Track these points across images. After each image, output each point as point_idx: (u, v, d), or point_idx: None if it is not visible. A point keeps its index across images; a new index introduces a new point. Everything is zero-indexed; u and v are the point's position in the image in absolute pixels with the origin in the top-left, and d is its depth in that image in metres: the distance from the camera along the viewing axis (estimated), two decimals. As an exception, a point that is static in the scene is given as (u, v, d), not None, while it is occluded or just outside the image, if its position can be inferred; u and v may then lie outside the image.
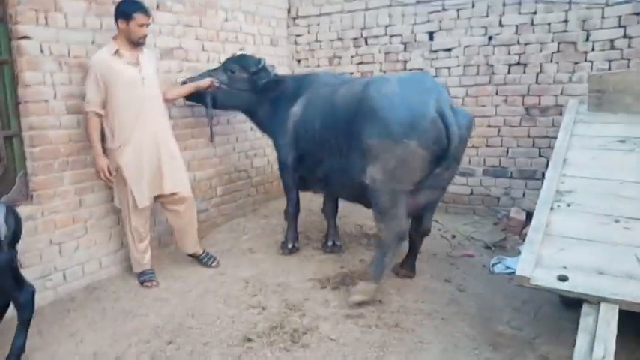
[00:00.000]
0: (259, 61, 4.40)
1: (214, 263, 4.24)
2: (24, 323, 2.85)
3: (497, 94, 5.05)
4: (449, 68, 5.21)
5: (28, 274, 3.16)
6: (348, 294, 3.56)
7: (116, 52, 3.57)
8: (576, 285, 2.42)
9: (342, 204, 4.50)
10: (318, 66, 5.98)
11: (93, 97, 3.54)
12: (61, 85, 3.58)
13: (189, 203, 4.04)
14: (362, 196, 3.65)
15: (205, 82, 4.30)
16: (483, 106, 5.12)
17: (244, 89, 4.41)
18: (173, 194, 3.91)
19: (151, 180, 3.79)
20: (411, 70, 5.39)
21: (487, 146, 5.19)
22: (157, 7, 4.32)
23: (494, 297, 3.59)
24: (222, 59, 5.00)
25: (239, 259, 4.45)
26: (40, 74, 3.45)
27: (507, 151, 5.12)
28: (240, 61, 4.42)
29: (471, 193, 5.37)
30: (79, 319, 3.43)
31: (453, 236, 4.85)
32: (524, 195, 5.06)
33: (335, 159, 3.76)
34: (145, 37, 3.65)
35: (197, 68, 4.67)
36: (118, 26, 3.58)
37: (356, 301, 3.44)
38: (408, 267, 3.97)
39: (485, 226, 5.09)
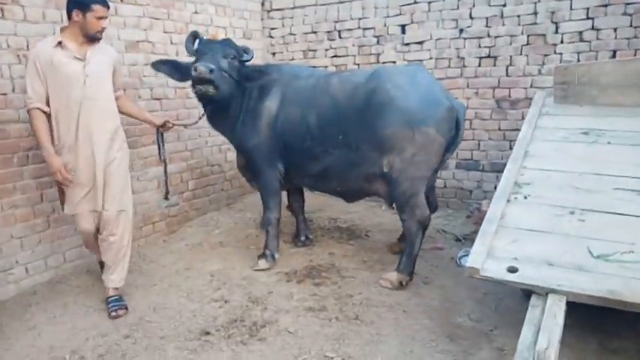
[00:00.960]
0: (247, 50, 3.92)
1: (116, 313, 3.35)
2: None
3: (468, 87, 5.04)
4: (421, 61, 5.18)
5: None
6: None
7: (59, 43, 3.12)
8: (525, 276, 2.41)
9: (319, 199, 4.49)
10: (293, 59, 5.94)
11: (34, 92, 3.11)
12: (19, 78, 3.53)
13: (123, 226, 3.43)
14: (364, 188, 3.85)
15: (157, 120, 3.81)
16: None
17: (234, 76, 3.80)
18: (104, 212, 3.34)
19: (84, 192, 3.29)
20: (384, 63, 5.36)
21: (459, 139, 5.18)
22: (122, -1, 4.27)
23: (458, 289, 3.59)
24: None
25: (207, 253, 4.43)
26: (-6, 65, 3.43)
27: (479, 144, 5.12)
28: (234, 47, 3.82)
29: (445, 186, 5.37)
30: (39, 313, 3.41)
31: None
32: (495, 188, 5.04)
33: (338, 154, 3.72)
34: (102, 31, 3.22)
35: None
36: (70, 17, 3.15)
37: (387, 287, 3.62)
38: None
39: (457, 219, 5.10)
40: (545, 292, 2.35)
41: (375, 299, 3.46)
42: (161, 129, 3.86)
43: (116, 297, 3.46)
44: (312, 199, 4.84)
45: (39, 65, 3.08)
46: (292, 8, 5.85)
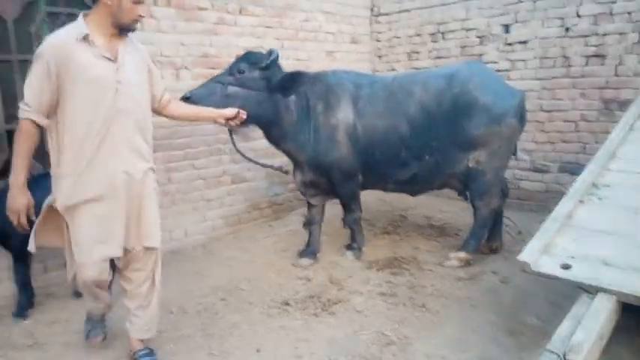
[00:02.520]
0: (270, 52, 3.64)
1: None
2: None
3: (574, 87, 4.84)
4: (524, 61, 5.09)
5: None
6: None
7: (85, 37, 2.34)
8: (576, 274, 2.43)
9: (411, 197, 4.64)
10: (398, 61, 6.18)
11: (35, 99, 2.31)
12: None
13: (154, 262, 2.73)
14: (440, 185, 4.11)
15: (230, 112, 3.10)
16: (560, 100, 4.93)
17: (259, 89, 3.59)
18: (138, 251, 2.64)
19: (103, 233, 2.48)
20: (486, 64, 5.36)
21: (563, 142, 4.99)
22: (240, 11, 4.90)
23: (536, 291, 3.55)
24: (301, 56, 5.46)
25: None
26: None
27: (585, 147, 4.88)
28: (246, 58, 3.63)
29: (546, 190, 5.20)
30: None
31: (519, 232, 4.77)
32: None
33: (429, 159, 3.85)
34: (139, 20, 2.48)
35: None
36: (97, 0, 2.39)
37: (452, 265, 3.94)
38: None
39: (556, 224, 4.92)
40: (595, 291, 2.36)
41: (446, 292, 3.59)
42: (233, 122, 3.17)
43: (146, 351, 2.76)
44: (406, 197, 5.01)
45: (53, 66, 2.28)
46: (398, 12, 6.09)
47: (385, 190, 4.42)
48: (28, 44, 3.66)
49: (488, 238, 4.31)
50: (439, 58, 5.81)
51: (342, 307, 3.42)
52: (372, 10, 6.35)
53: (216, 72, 4.60)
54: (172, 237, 4.61)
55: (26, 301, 3.38)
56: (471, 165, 3.82)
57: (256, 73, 3.60)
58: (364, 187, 4.24)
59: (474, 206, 3.98)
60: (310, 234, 4.28)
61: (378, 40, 6.37)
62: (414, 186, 4.13)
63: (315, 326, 3.17)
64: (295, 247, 4.63)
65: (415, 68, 5.54)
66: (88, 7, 2.74)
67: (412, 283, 3.74)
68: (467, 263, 3.93)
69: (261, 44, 5.12)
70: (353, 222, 4.24)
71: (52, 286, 3.81)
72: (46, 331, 3.20)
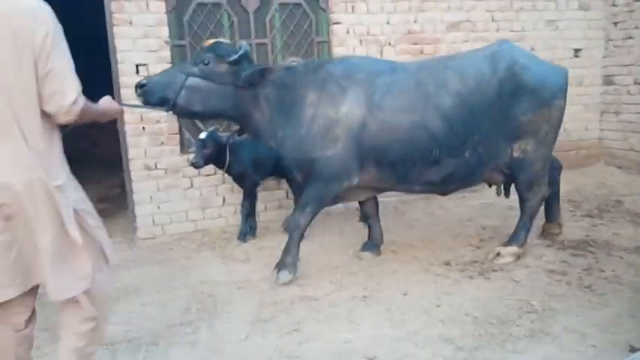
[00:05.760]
0: (240, 47, 3.36)
1: None
2: None
3: None
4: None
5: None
6: (496, 256, 3.68)
7: None
8: None
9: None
10: (637, 28, 5.38)
11: None
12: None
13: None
14: (485, 180, 3.77)
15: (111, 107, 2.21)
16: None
17: (223, 83, 3.30)
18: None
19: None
20: None
21: None
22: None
23: None
24: (515, 27, 5.34)
25: (495, 216, 4.90)
26: (346, 49, 4.84)
27: None
28: (213, 49, 3.29)
29: None
30: (179, 250, 4.78)
31: None
32: None
33: (468, 154, 3.41)
34: None
35: (484, 39, 5.17)
36: None
37: (506, 262, 3.61)
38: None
39: None
40: None
41: (626, 279, 3.27)
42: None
43: None
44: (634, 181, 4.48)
45: None
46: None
47: (411, 192, 4.04)
48: (264, 31, 4.68)
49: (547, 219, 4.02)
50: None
51: (500, 274, 3.48)
52: (609, -29, 5.65)
53: (419, 48, 5.01)
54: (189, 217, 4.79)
55: (246, 230, 4.42)
56: (515, 155, 3.49)
57: (223, 67, 3.28)
58: (380, 191, 3.78)
59: (522, 198, 3.69)
60: (370, 228, 3.99)
61: (615, 5, 5.63)
62: (448, 186, 3.66)
63: (464, 285, 3.34)
64: (483, 219, 4.69)
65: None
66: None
67: (590, 266, 3.50)
68: (518, 257, 3.64)
69: (467, 18, 5.21)
70: (295, 227, 3.49)
71: (270, 221, 4.86)
72: (256, 252, 4.19)
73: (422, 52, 5.05)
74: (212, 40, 3.39)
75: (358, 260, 3.87)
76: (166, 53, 4.41)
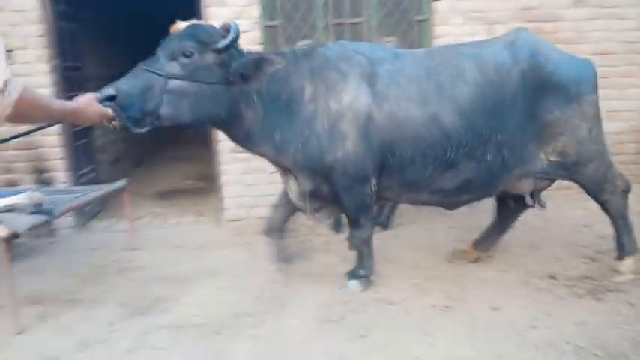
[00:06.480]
0: (228, 27, 2.64)
1: None
2: None
3: None
4: None
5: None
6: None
7: None
8: None
9: None
10: None
11: None
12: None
13: None
14: (508, 189, 3.15)
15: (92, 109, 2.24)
16: None
17: (214, 82, 2.63)
18: None
19: None
20: None
21: None
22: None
23: None
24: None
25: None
26: (448, 28, 4.39)
27: None
28: (193, 34, 2.58)
29: None
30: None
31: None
32: None
33: (490, 158, 2.92)
34: None
35: (616, 16, 4.37)
36: None
37: (625, 279, 3.08)
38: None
39: None
40: None
41: None
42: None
43: None
44: None
45: None
46: None
47: (415, 203, 3.34)
48: (359, 9, 4.41)
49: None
50: None
51: (614, 295, 2.94)
52: None
53: (537, 26, 4.39)
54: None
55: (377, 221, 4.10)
56: (552, 159, 3.01)
57: (209, 58, 2.60)
58: (383, 199, 3.23)
59: (599, 202, 3.18)
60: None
61: None
62: (461, 196, 3.09)
63: (569, 305, 2.85)
64: (602, 226, 4.02)
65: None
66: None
67: None
68: (637, 268, 3.10)
69: None
70: (361, 242, 3.16)
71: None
72: (337, 243, 3.98)
73: (540, 32, 4.41)
74: (184, 23, 2.60)
75: (446, 263, 3.50)
76: (257, 34, 4.31)
